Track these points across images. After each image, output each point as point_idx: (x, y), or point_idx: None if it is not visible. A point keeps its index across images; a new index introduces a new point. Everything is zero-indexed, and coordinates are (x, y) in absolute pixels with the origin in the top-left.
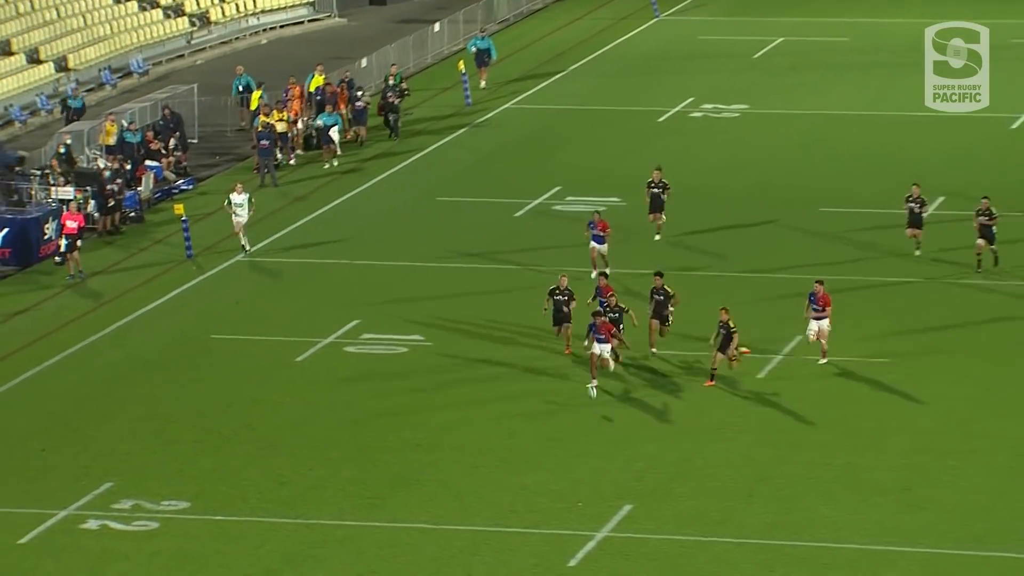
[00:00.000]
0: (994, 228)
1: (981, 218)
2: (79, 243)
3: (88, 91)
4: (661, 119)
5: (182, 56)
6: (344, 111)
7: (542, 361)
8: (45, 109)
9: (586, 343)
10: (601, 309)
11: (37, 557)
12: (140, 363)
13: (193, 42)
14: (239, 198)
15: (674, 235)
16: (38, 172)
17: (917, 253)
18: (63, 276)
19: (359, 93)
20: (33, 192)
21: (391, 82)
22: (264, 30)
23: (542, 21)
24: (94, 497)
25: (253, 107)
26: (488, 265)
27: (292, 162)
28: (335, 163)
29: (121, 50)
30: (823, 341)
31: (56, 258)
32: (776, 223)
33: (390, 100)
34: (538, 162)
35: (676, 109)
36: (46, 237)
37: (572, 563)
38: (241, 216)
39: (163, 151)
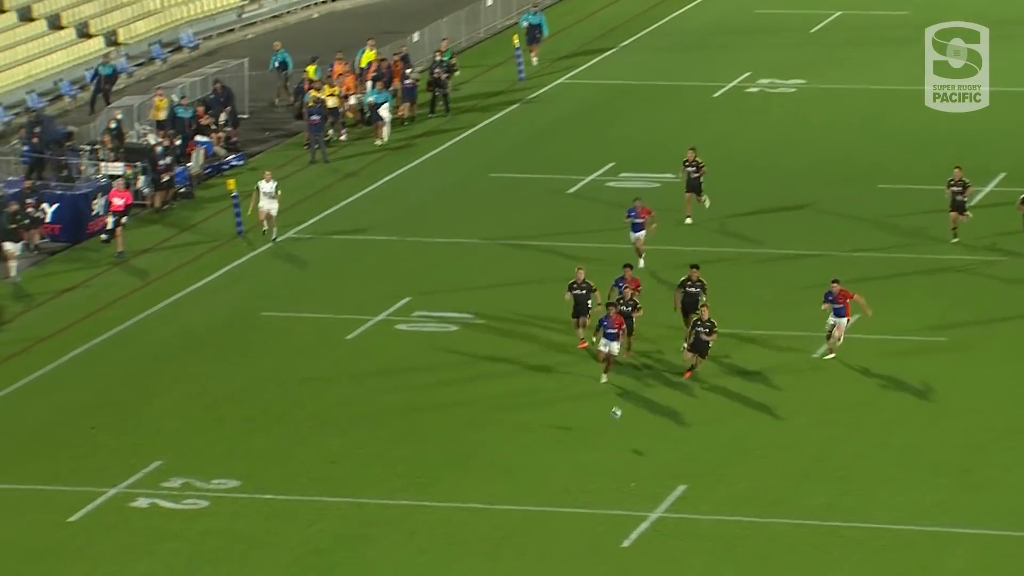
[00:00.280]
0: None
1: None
2: (124, 220)
3: (138, 65)
4: (716, 95)
5: (232, 30)
6: (397, 86)
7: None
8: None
9: (595, 337)
10: (618, 300)
11: (87, 535)
12: (190, 340)
13: (244, 16)
14: (267, 186)
15: (722, 216)
16: (88, 147)
17: (955, 241)
18: (112, 253)
19: (408, 71)
20: (83, 167)
21: (439, 58)
22: (315, 4)
23: None
24: (144, 475)
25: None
26: (541, 242)
27: (343, 138)
28: (385, 139)
29: (171, 24)
30: (838, 335)
31: (102, 236)
32: (834, 199)
33: (437, 76)
34: (591, 138)
35: (732, 84)
36: (94, 213)
37: (626, 544)
38: (269, 205)
39: (213, 126)
